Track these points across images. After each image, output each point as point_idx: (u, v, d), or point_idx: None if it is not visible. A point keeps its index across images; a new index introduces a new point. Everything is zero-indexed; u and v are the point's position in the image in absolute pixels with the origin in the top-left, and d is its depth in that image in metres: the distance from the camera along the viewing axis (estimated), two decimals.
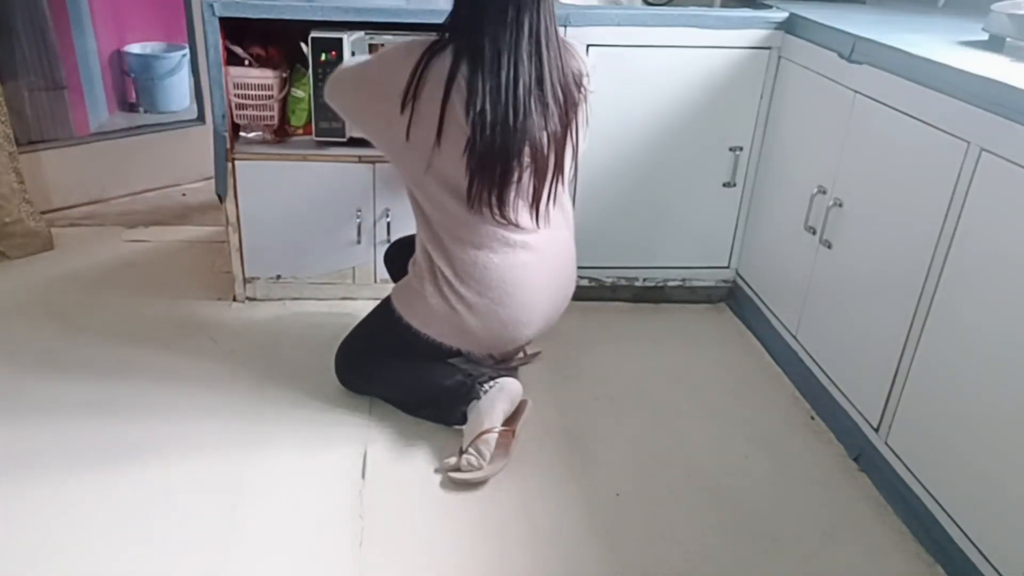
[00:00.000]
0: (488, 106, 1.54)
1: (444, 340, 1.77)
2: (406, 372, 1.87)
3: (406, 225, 2.23)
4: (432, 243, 1.72)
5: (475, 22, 1.54)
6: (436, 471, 1.74)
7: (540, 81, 1.57)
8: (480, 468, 1.69)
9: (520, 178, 1.64)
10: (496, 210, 1.65)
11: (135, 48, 3.56)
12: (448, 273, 1.70)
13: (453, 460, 1.73)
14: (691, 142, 2.27)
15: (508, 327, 1.74)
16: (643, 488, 1.73)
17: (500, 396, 1.78)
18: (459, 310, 1.71)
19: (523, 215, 1.70)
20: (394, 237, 2.25)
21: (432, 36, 1.62)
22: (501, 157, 1.58)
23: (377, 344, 1.89)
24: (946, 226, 1.53)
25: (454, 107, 1.56)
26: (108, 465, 1.70)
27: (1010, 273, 1.38)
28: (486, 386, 1.79)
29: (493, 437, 1.72)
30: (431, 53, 1.58)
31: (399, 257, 2.00)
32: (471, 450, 1.70)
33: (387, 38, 2.08)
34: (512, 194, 1.65)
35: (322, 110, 2.14)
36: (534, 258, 1.73)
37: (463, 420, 1.78)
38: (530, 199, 1.68)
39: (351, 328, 1.94)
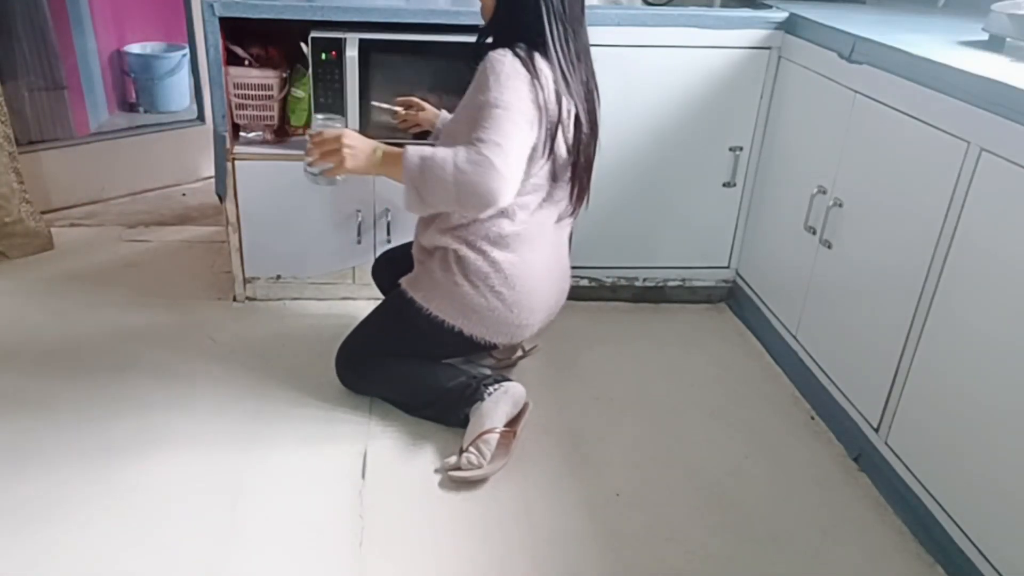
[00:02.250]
0: (579, 107, 1.66)
1: (462, 326, 1.75)
2: (409, 372, 1.87)
3: (406, 225, 2.23)
4: (474, 237, 1.71)
5: (546, 27, 1.63)
6: (436, 471, 1.74)
7: (591, 86, 1.73)
8: (480, 467, 1.69)
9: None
10: (576, 206, 1.78)
11: (135, 48, 3.56)
12: (483, 265, 1.71)
13: (453, 459, 1.73)
14: (691, 142, 2.27)
15: (518, 316, 1.77)
16: (643, 488, 1.73)
17: (504, 399, 1.78)
18: (488, 298, 1.72)
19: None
20: (394, 237, 2.26)
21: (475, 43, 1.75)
22: (589, 154, 1.73)
23: (380, 344, 1.89)
24: (946, 226, 1.53)
25: (560, 106, 1.62)
26: (108, 464, 1.70)
27: (1010, 273, 1.38)
28: (491, 388, 1.79)
29: (494, 437, 1.72)
30: (529, 60, 1.59)
31: (389, 270, 2.00)
32: (472, 449, 1.70)
33: (387, 38, 2.08)
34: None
35: (322, 110, 2.14)
36: (552, 251, 1.80)
37: (465, 422, 1.78)
38: (576, 197, 1.77)
39: (352, 328, 1.93)
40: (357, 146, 1.59)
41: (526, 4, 1.60)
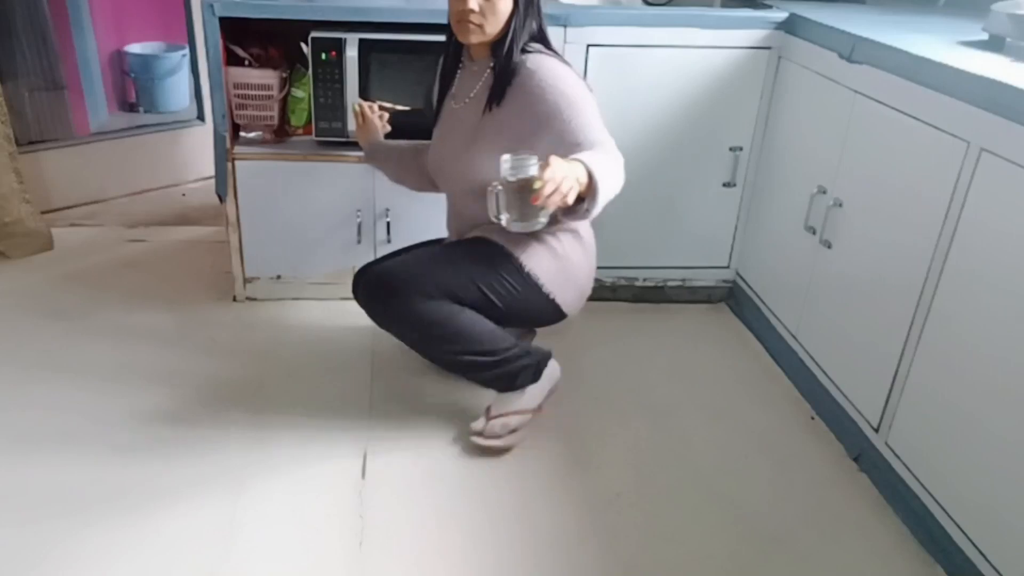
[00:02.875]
0: None
1: (557, 294, 1.76)
2: (478, 323, 1.71)
3: (406, 225, 2.23)
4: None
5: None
6: (459, 440, 1.80)
7: None
8: (502, 437, 1.76)
9: None
10: None
11: (135, 48, 3.56)
12: (588, 238, 1.81)
13: (480, 424, 1.78)
14: (691, 142, 2.27)
15: (591, 283, 1.87)
16: (643, 488, 1.73)
17: (549, 380, 1.85)
18: (589, 268, 1.82)
19: None
20: (394, 237, 2.26)
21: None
22: None
23: (450, 280, 1.68)
24: (946, 226, 1.53)
25: None
26: (108, 465, 1.70)
27: (1010, 273, 1.38)
28: (547, 368, 1.85)
29: (528, 418, 1.80)
30: (555, 53, 1.69)
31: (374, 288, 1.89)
32: (503, 419, 1.76)
33: (387, 38, 2.08)
34: None
35: (322, 110, 2.15)
36: None
37: (513, 388, 1.80)
38: None
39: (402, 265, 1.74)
40: (574, 170, 1.42)
41: (534, 3, 1.65)
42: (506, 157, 1.43)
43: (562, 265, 1.75)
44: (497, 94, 1.65)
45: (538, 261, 1.73)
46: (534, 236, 1.71)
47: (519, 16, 1.62)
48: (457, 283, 1.68)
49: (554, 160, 1.39)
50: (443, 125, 1.82)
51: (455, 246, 1.80)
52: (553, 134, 1.59)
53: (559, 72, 1.62)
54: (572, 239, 1.77)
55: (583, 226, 1.79)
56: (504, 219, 1.48)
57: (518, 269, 1.71)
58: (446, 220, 1.92)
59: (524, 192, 1.41)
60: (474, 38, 1.63)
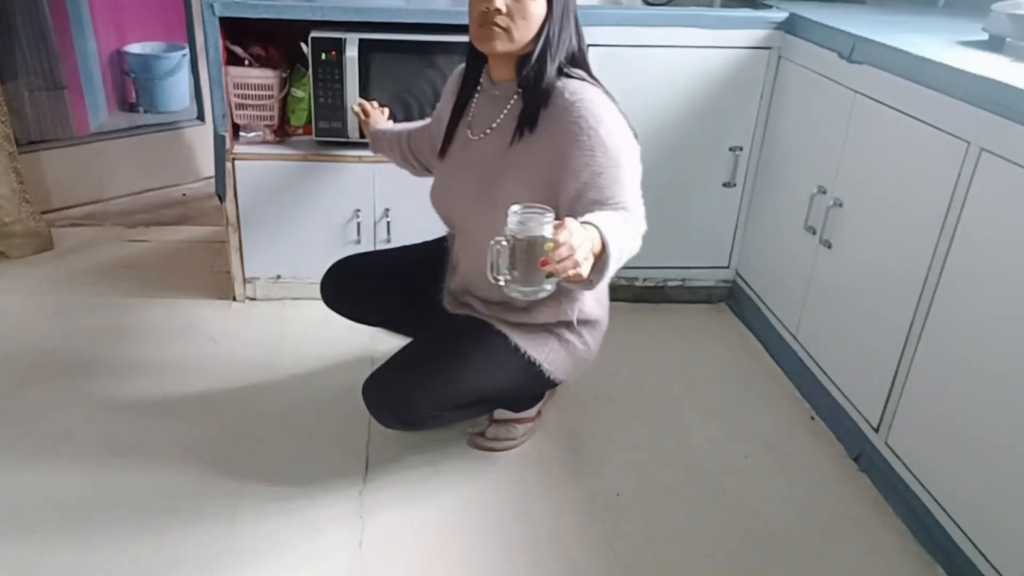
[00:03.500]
0: None
1: (565, 376, 1.68)
2: (484, 407, 1.77)
3: (406, 225, 2.23)
4: (600, 295, 1.68)
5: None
6: (466, 435, 1.82)
7: None
8: (506, 440, 1.79)
9: None
10: None
11: (135, 48, 3.56)
12: (601, 316, 1.69)
13: (482, 428, 1.80)
14: (691, 142, 2.27)
15: None
16: (643, 488, 1.73)
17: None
18: (595, 349, 1.69)
19: None
20: (394, 237, 2.26)
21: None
22: None
23: (466, 393, 1.61)
24: (946, 226, 1.53)
25: None
26: (107, 465, 1.70)
27: (1010, 273, 1.38)
28: None
29: (529, 425, 1.83)
30: (597, 82, 1.50)
31: (350, 285, 1.83)
32: (503, 425, 1.79)
33: (387, 38, 2.08)
34: None
35: (322, 110, 2.15)
36: None
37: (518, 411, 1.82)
38: None
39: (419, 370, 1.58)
40: (590, 237, 1.18)
41: (571, 14, 1.44)
42: (515, 208, 1.18)
43: (581, 358, 1.66)
44: (530, 118, 1.41)
45: (561, 365, 1.63)
46: (556, 337, 1.58)
47: (553, 22, 1.38)
48: (472, 397, 1.61)
49: (570, 222, 1.14)
50: (455, 157, 1.58)
51: (469, 342, 1.58)
52: (578, 183, 1.36)
53: (602, 111, 1.39)
54: (592, 332, 1.64)
55: (600, 310, 1.66)
56: (503, 280, 1.21)
57: (538, 374, 1.61)
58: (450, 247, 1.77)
59: (532, 252, 1.16)
60: (499, 45, 1.39)
